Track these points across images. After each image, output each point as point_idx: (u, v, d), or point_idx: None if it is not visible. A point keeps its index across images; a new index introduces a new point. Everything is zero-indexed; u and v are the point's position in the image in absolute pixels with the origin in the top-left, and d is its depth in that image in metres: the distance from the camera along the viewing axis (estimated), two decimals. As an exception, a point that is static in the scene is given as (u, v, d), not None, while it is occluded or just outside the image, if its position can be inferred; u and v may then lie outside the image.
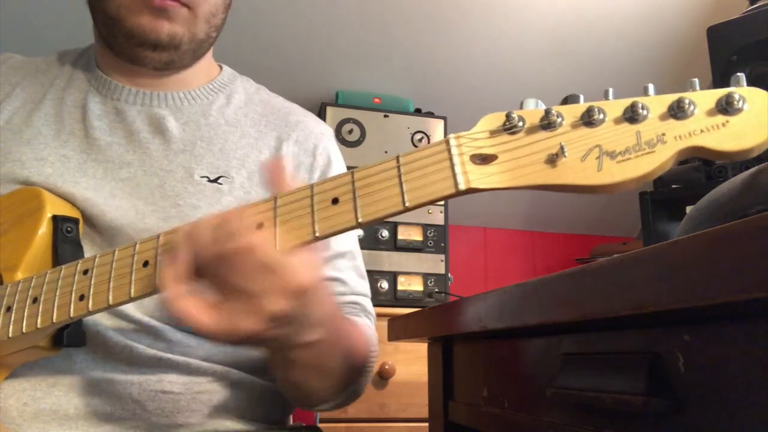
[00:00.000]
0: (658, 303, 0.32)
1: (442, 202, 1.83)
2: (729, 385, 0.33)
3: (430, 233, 1.79)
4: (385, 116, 1.86)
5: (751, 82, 0.37)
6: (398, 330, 0.79)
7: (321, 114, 1.81)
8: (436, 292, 1.75)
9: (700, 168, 0.82)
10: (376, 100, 1.93)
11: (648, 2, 1.90)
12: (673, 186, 0.85)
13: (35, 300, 0.57)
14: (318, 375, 0.61)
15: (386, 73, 2.02)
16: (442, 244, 1.79)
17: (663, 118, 0.38)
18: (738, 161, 0.78)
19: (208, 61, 0.82)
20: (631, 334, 0.41)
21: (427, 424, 0.78)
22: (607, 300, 0.36)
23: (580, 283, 0.39)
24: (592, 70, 2.05)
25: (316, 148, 0.80)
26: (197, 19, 0.71)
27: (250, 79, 0.87)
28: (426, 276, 1.76)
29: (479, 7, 1.87)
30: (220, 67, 0.84)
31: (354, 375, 0.67)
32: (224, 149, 0.74)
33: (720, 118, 0.37)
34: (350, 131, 1.81)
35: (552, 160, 0.40)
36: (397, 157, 0.45)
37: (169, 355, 0.65)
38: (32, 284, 0.58)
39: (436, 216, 1.82)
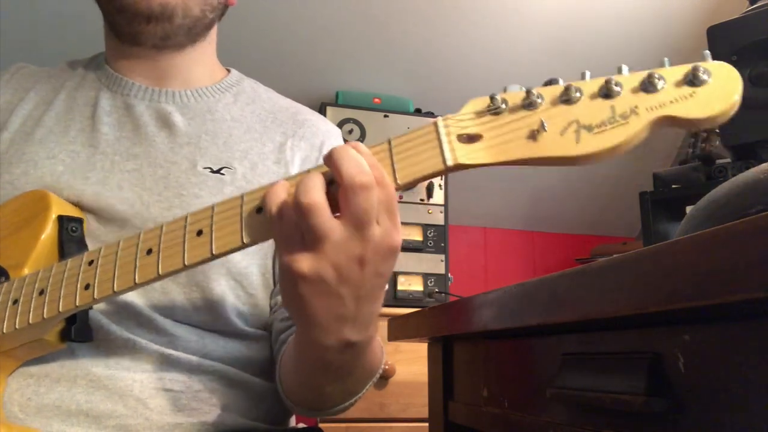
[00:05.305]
0: (658, 303, 0.32)
1: (442, 202, 1.83)
2: (729, 385, 0.33)
3: (430, 233, 1.79)
4: (385, 116, 1.86)
5: (752, 82, 0.38)
6: (398, 330, 0.79)
7: (321, 114, 1.81)
8: (436, 292, 1.75)
9: (700, 168, 0.82)
10: (376, 100, 1.93)
11: (648, 2, 1.90)
12: (673, 186, 0.85)
13: (42, 292, 0.58)
14: (341, 380, 0.60)
15: (386, 73, 2.02)
16: (442, 244, 1.79)
17: (635, 92, 0.42)
18: (737, 160, 0.78)
19: (212, 62, 0.85)
20: (631, 334, 0.41)
21: (427, 424, 0.78)
22: (607, 300, 0.36)
23: (580, 283, 0.39)
24: (592, 71, 2.03)
25: (323, 145, 0.81)
26: None
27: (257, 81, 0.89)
28: (426, 276, 1.76)
29: (479, 8, 1.87)
30: (228, 71, 0.86)
31: (366, 383, 0.67)
32: (228, 142, 0.76)
33: (687, 90, 0.40)
34: (350, 131, 1.81)
35: (533, 135, 0.43)
36: (389, 140, 0.48)
37: (171, 351, 0.66)
38: (39, 277, 0.59)
39: (436, 216, 1.82)
